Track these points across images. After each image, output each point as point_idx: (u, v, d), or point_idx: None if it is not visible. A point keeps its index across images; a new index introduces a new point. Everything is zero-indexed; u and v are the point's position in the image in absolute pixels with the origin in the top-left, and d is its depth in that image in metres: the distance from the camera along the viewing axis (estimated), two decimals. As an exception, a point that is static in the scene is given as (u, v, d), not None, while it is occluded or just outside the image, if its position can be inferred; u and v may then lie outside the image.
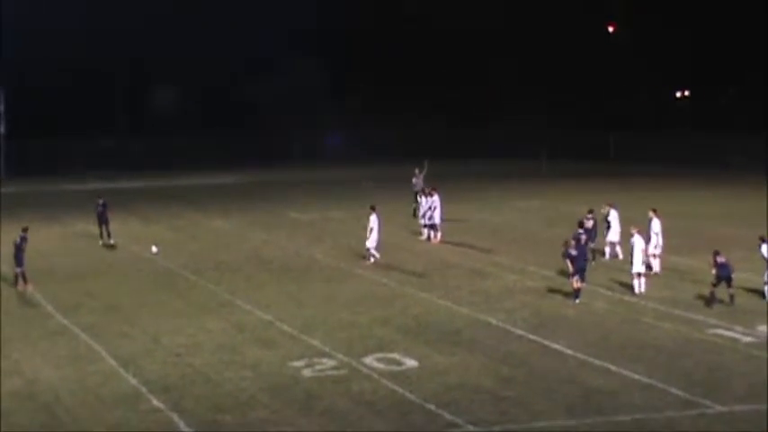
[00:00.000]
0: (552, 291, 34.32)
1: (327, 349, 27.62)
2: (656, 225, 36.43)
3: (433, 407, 22.90)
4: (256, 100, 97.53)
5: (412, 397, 23.61)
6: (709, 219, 50.42)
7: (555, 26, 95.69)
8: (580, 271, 32.62)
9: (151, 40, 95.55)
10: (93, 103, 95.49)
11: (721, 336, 28.25)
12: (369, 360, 26.50)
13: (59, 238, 49.89)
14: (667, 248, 37.07)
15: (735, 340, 27.79)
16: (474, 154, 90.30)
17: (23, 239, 37.12)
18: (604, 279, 35.43)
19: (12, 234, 40.11)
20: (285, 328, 30.19)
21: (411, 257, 41.52)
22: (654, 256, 36.18)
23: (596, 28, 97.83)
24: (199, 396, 24.10)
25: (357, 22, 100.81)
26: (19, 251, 36.68)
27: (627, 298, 33.08)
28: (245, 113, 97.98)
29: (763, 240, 32.33)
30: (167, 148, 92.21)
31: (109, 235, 46.78)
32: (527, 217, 53.75)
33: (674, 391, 23.56)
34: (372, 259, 40.01)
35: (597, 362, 25.94)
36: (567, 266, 33.08)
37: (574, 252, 32.79)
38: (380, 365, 26.05)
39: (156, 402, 23.68)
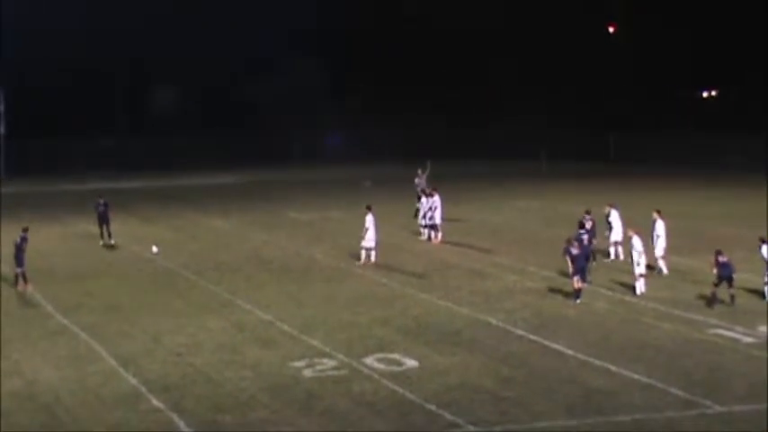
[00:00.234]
0: (552, 291, 34.32)
1: (328, 349, 27.61)
2: (659, 226, 36.38)
3: (433, 407, 22.89)
4: (256, 100, 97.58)
5: (412, 397, 23.61)
6: (710, 219, 50.43)
7: (555, 26, 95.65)
8: (580, 271, 32.63)
9: (151, 40, 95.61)
10: (93, 103, 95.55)
11: (722, 336, 28.24)
12: (369, 360, 26.49)
13: (59, 239, 49.89)
14: (668, 249, 37.01)
15: (735, 340, 27.78)
16: (474, 154, 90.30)
17: (24, 239, 37.11)
18: (605, 279, 35.41)
19: (12, 234, 40.11)
20: (285, 328, 30.19)
21: (411, 258, 41.51)
22: (659, 258, 36.15)
23: (596, 28, 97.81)
24: (199, 396, 24.10)
25: (357, 22, 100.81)
26: (19, 251, 36.68)
27: (627, 298, 33.08)
28: (245, 113, 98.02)
29: (763, 241, 32.30)
30: (167, 148, 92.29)
31: (110, 235, 46.78)
32: (527, 217, 53.75)
33: (674, 391, 23.55)
34: (363, 259, 39.95)
35: (597, 362, 25.94)
36: (568, 264, 33.04)
37: (575, 251, 32.79)
38: (381, 366, 26.05)
39: (156, 402, 23.68)
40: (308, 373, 25.67)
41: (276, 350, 27.78)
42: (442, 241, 45.04)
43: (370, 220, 40.05)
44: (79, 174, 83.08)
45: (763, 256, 32.15)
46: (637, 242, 33.68)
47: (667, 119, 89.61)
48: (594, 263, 35.87)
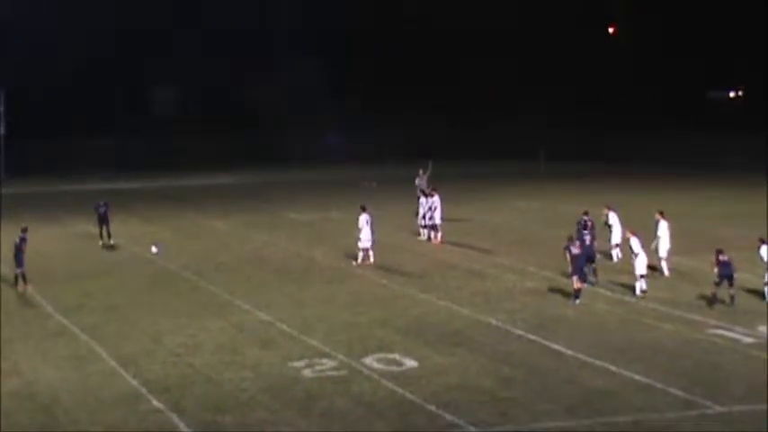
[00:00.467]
0: (552, 291, 34.32)
1: (327, 350, 27.62)
2: (662, 227, 36.34)
3: (433, 407, 22.90)
4: (256, 100, 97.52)
5: (412, 397, 23.61)
6: (709, 219, 50.40)
7: (555, 26, 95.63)
8: (580, 271, 32.61)
9: (151, 40, 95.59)
10: (93, 103, 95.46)
11: (721, 336, 28.24)
12: (369, 361, 26.50)
13: (59, 239, 49.89)
14: (671, 250, 36.90)
15: (735, 341, 27.78)
16: (474, 154, 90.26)
17: (23, 240, 37.10)
18: (604, 280, 35.37)
19: (12, 235, 40.10)
20: (285, 328, 30.20)
21: (411, 258, 41.51)
22: (662, 258, 36.15)
23: (596, 28, 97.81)
24: (199, 396, 24.11)
25: (357, 22, 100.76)
26: (18, 252, 36.67)
27: (627, 298, 33.07)
28: (245, 113, 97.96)
29: (762, 242, 32.30)
30: (167, 148, 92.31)
31: (109, 235, 46.78)
32: (527, 218, 53.74)
33: (673, 391, 23.56)
34: (361, 259, 39.94)
35: (597, 362, 25.94)
36: (567, 260, 32.97)
37: (575, 250, 32.79)
38: (380, 366, 26.05)
39: (155, 403, 23.69)
40: (307, 373, 25.67)
41: (276, 351, 27.78)
42: (442, 241, 45.04)
43: (363, 220, 40.06)
44: (79, 174, 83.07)
45: (762, 257, 32.15)
46: (635, 243, 33.68)
47: (667, 119, 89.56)
48: (593, 265, 35.66)
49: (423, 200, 46.03)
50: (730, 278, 31.34)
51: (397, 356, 26.87)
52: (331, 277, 38.10)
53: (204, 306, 33.61)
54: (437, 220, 45.40)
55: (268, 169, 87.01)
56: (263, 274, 39.11)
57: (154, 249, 43.29)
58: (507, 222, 52.26)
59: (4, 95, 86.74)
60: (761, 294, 32.29)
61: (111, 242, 46.59)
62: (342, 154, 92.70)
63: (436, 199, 45.26)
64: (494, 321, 30.48)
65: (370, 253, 40.08)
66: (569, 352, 26.94)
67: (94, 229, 47.67)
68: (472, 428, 21.69)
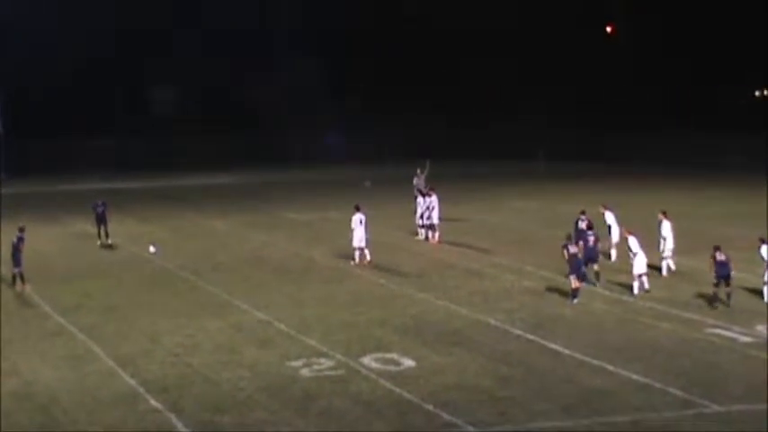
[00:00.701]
0: (550, 291, 34.31)
1: (325, 349, 27.61)
2: (665, 227, 36.30)
3: (431, 407, 22.89)
4: (256, 100, 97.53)
5: (410, 397, 23.60)
6: (709, 219, 50.35)
7: (555, 26, 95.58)
8: (578, 270, 32.59)
9: (151, 40, 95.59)
10: (93, 103, 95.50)
11: (719, 336, 28.23)
12: (367, 360, 26.50)
13: (58, 239, 49.90)
14: (675, 250, 36.86)
15: (733, 340, 27.77)
16: (474, 154, 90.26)
17: (20, 239, 37.09)
18: (602, 279, 35.31)
19: (10, 234, 40.07)
20: (283, 328, 30.20)
21: (409, 258, 41.51)
22: (665, 258, 36.11)
23: (596, 28, 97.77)
24: (197, 396, 24.10)
25: (357, 22, 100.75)
26: (16, 251, 36.66)
27: (624, 298, 33.07)
28: (244, 114, 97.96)
29: (763, 241, 32.27)
30: (167, 148, 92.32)
31: (107, 235, 46.79)
32: (525, 217, 53.74)
33: (671, 391, 23.55)
34: (357, 259, 39.95)
35: (595, 362, 25.94)
36: (565, 259, 32.92)
37: (573, 249, 32.77)
38: (378, 365, 26.05)
39: (154, 402, 23.69)
40: (305, 372, 25.67)
41: (274, 350, 27.78)
42: (440, 241, 45.03)
43: (356, 219, 40.07)
44: (78, 174, 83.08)
45: (762, 257, 32.14)
46: (633, 242, 33.68)
47: (667, 119, 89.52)
48: (596, 267, 35.49)
49: (420, 199, 46.02)
50: (727, 278, 31.33)
51: (395, 356, 26.87)
52: (329, 277, 38.10)
53: (202, 306, 33.61)
54: (435, 220, 45.39)
55: (267, 169, 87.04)
56: (262, 274, 39.11)
57: (152, 249, 43.28)
58: (505, 222, 52.26)
59: (3, 95, 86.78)
60: (759, 293, 32.27)
61: (110, 242, 46.59)
62: (342, 154, 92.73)
63: (434, 198, 45.25)
64: (492, 321, 30.47)
65: (366, 252, 40.07)
66: (567, 351, 26.93)
67: (92, 229, 47.67)
68: (470, 428, 21.69)
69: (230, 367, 26.27)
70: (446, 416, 22.33)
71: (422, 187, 49.49)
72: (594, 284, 34.26)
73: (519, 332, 29.11)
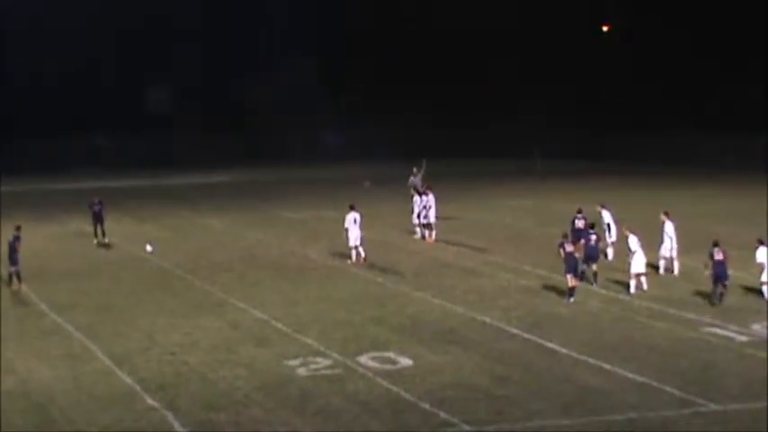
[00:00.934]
0: (546, 289, 34.32)
1: (322, 348, 27.61)
2: (669, 228, 36.27)
3: (427, 406, 22.89)
4: (255, 99, 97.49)
5: (407, 396, 23.60)
6: (705, 217, 50.30)
7: (555, 26, 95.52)
8: (574, 269, 32.60)
9: (148, 40, 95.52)
10: (90, 102, 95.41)
11: (716, 334, 28.25)
12: (363, 359, 26.50)
13: (54, 238, 49.84)
14: (680, 249, 36.83)
15: (729, 339, 27.79)
16: (473, 154, 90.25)
17: (17, 238, 37.03)
18: (599, 279, 35.32)
19: (6, 233, 39.97)
20: (280, 326, 30.19)
21: (406, 257, 41.51)
22: (667, 258, 36.07)
23: (596, 28, 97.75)
24: (193, 395, 24.09)
25: (357, 22, 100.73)
26: (13, 250, 36.62)
27: (621, 297, 33.08)
28: (243, 113, 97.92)
29: (761, 243, 32.30)
30: (164, 147, 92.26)
31: (104, 234, 46.76)
32: (521, 216, 53.75)
33: (668, 389, 23.56)
34: (354, 258, 39.96)
35: (591, 361, 25.95)
36: (561, 257, 32.90)
37: (569, 248, 32.78)
38: (375, 364, 26.05)
39: (150, 401, 23.67)
40: (302, 371, 25.66)
41: (270, 349, 27.77)
42: (437, 240, 45.03)
43: (350, 218, 40.07)
44: (75, 173, 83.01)
45: (757, 259, 32.16)
46: (633, 241, 33.69)
47: (667, 119, 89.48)
48: (594, 267, 35.40)
49: (417, 198, 46.01)
50: (723, 277, 31.38)
51: (391, 355, 26.87)
52: (326, 276, 38.09)
53: (199, 304, 33.59)
54: (432, 219, 45.40)
55: (265, 169, 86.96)
56: (258, 273, 39.09)
57: (148, 248, 43.22)
58: (502, 221, 52.28)
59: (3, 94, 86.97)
60: (755, 292, 32.31)
61: (106, 240, 46.56)
62: (341, 154, 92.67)
63: (431, 197, 45.25)
64: (488, 320, 30.48)
65: (360, 250, 40.07)
66: (564, 350, 26.95)
67: (89, 228, 47.62)
68: (467, 427, 21.69)
69: (227, 366, 26.26)
70: (443, 414, 22.34)
71: (419, 186, 49.48)
72: (592, 284, 34.26)
73: (515, 331, 29.12)
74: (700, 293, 32.62)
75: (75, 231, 50.85)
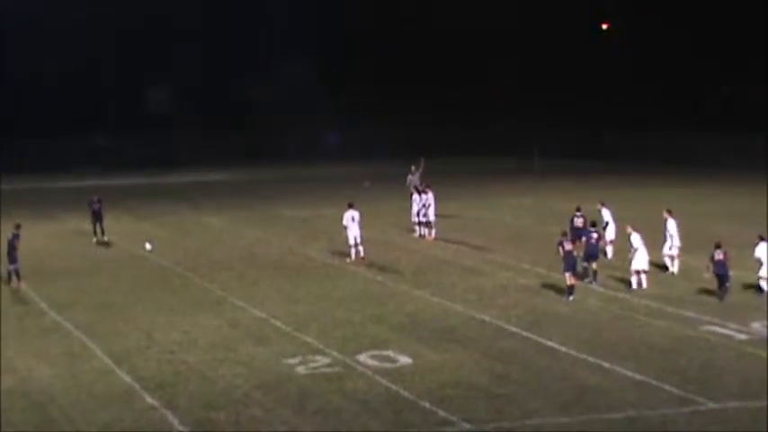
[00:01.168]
0: (546, 288, 34.31)
1: (321, 347, 27.61)
2: (671, 226, 36.26)
3: (427, 404, 22.89)
4: (255, 99, 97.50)
5: (406, 394, 23.60)
6: (705, 216, 50.26)
7: (555, 26, 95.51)
8: (573, 267, 32.60)
9: (147, 39, 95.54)
10: (89, 101, 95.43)
11: (715, 333, 28.25)
12: (363, 357, 26.49)
13: (54, 236, 49.84)
14: (682, 248, 36.83)
15: (728, 337, 27.79)
16: (473, 152, 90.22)
17: (16, 236, 37.03)
18: (598, 277, 35.29)
19: (6, 232, 39.96)
20: (279, 325, 30.19)
21: (405, 255, 41.50)
22: (671, 257, 36.10)
23: (596, 27, 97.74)
24: (193, 393, 24.09)
25: (357, 22, 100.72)
26: (12, 248, 36.62)
27: (620, 295, 33.08)
28: (243, 113, 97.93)
29: (762, 239, 32.33)
30: (163, 146, 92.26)
31: (102, 232, 46.77)
32: (520, 214, 53.74)
33: (667, 388, 23.56)
34: (353, 256, 39.96)
35: (591, 359, 25.95)
36: (560, 256, 32.90)
37: (568, 246, 32.77)
38: (374, 363, 26.04)
39: (149, 400, 23.68)
40: (301, 370, 25.66)
41: (270, 347, 27.77)
42: (436, 238, 45.03)
43: (347, 216, 40.07)
44: (74, 171, 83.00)
45: (759, 255, 32.21)
46: (635, 239, 33.68)
47: (667, 118, 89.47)
48: (594, 266, 35.36)
49: (416, 197, 46.00)
50: (723, 277, 31.42)
51: (391, 353, 26.87)
52: (325, 274, 38.08)
53: (198, 303, 33.60)
54: (431, 217, 45.40)
55: (265, 168, 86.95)
56: (257, 271, 39.08)
57: (148, 246, 43.20)
58: (501, 219, 52.27)
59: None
60: (755, 290, 32.30)
61: (105, 239, 46.57)
62: (341, 153, 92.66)
63: (430, 196, 45.25)
64: (487, 318, 30.48)
65: (360, 249, 40.07)
66: (563, 348, 26.95)
67: (88, 226, 47.61)
68: (466, 425, 21.69)
69: (226, 364, 26.26)
70: (442, 413, 22.34)
71: (417, 184, 49.46)
72: (592, 282, 34.26)
73: (514, 329, 29.12)
74: (699, 292, 32.63)
75: (75, 230, 50.85)
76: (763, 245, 32.21)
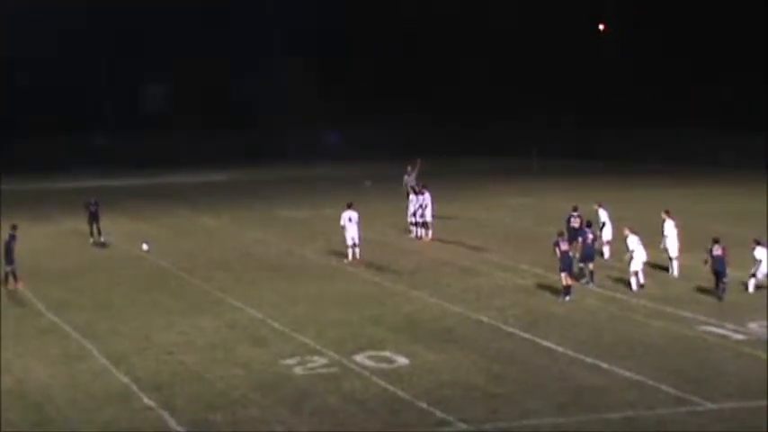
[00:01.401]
0: (543, 288, 34.30)
1: (319, 347, 27.60)
2: (668, 227, 36.23)
3: (424, 405, 22.88)
4: (254, 99, 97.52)
5: (403, 395, 23.59)
6: (704, 216, 50.24)
7: (554, 26, 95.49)
8: (569, 267, 32.58)
9: (147, 39, 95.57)
10: (87, 101, 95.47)
11: (712, 333, 28.24)
12: (360, 358, 26.48)
13: (51, 237, 49.86)
14: (681, 248, 36.77)
15: (725, 337, 27.77)
16: (471, 152, 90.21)
17: (13, 237, 37.01)
18: (595, 278, 35.27)
19: (2, 233, 39.95)
20: (276, 326, 30.18)
21: (402, 255, 41.48)
22: (672, 258, 36.08)
23: (594, 26, 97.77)
24: (190, 394, 24.08)
25: (357, 22, 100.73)
26: (9, 249, 36.59)
27: (618, 295, 33.07)
28: (242, 112, 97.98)
29: (758, 243, 32.33)
30: (161, 146, 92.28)
31: (99, 233, 46.75)
32: (518, 215, 53.73)
33: (664, 388, 23.54)
34: (351, 257, 39.95)
35: (588, 359, 25.94)
36: (557, 256, 32.88)
37: (564, 246, 32.76)
38: (372, 363, 26.03)
39: (147, 400, 23.67)
40: (298, 370, 25.66)
41: (267, 348, 27.77)
42: (433, 239, 45.01)
43: (345, 217, 40.07)
44: (71, 172, 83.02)
45: (754, 257, 32.23)
46: (632, 241, 33.67)
47: (666, 118, 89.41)
48: (591, 266, 35.33)
49: (413, 197, 45.95)
50: (721, 274, 31.42)
51: (388, 354, 26.86)
52: (322, 275, 38.07)
53: (195, 304, 33.59)
54: (428, 218, 45.37)
55: (264, 168, 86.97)
56: (255, 272, 39.08)
57: (145, 247, 43.20)
58: (498, 219, 52.26)
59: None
60: (742, 286, 32.40)
61: (102, 240, 46.55)
62: (340, 153, 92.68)
63: (427, 196, 45.20)
64: (485, 318, 30.47)
65: (356, 250, 40.05)
66: (560, 349, 26.94)
67: (85, 227, 47.59)
68: (463, 425, 21.68)
69: (223, 365, 26.25)
70: (439, 413, 22.33)
71: (414, 185, 49.45)
72: (588, 283, 34.24)
73: (512, 329, 29.11)
74: (696, 292, 32.63)
75: (72, 230, 50.82)
76: (759, 249, 32.31)
